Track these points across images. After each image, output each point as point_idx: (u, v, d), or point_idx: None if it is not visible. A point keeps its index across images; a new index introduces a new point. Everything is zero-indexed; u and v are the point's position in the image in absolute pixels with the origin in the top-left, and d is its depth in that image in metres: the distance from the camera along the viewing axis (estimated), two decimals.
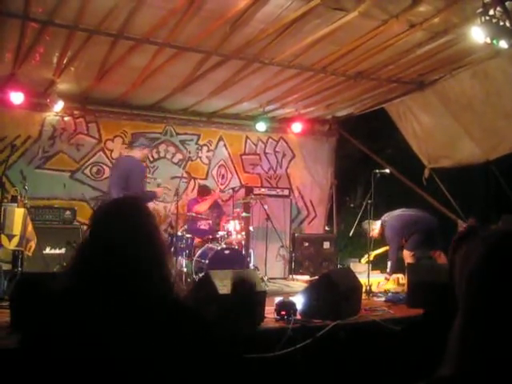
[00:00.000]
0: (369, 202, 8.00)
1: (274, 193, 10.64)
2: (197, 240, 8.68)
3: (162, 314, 1.87)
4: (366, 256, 8.30)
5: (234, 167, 11.00)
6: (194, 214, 8.87)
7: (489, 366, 1.13)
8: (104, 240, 1.94)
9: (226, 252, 8.04)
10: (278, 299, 5.59)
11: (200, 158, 10.72)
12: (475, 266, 1.23)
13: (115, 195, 6.81)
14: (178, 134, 10.50)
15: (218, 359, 1.97)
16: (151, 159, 10.07)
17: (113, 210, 2.08)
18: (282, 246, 10.42)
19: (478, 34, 5.82)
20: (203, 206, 9.16)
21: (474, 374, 1.14)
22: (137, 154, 7.52)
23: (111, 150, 9.88)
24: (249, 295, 5.07)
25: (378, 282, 8.05)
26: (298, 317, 5.36)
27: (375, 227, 8.48)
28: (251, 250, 9.33)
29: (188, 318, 1.95)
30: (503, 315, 1.15)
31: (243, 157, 11.11)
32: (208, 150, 10.78)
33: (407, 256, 8.33)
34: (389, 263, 8.30)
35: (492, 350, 1.14)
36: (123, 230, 1.95)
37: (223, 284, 4.84)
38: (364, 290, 6.69)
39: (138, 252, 1.92)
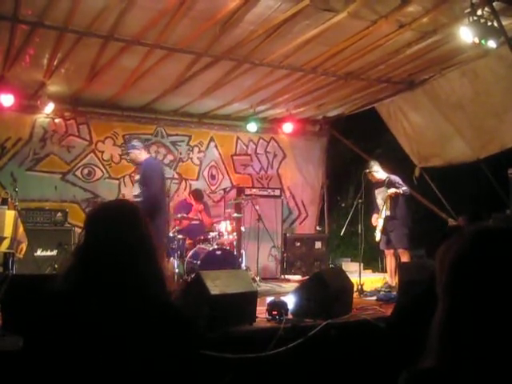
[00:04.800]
0: (360, 201, 8.02)
1: (265, 193, 10.65)
2: (188, 241, 8.68)
3: (155, 316, 1.89)
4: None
5: (225, 168, 11.01)
6: (185, 215, 8.87)
7: (468, 359, 1.15)
8: (99, 243, 1.95)
9: (218, 253, 8.03)
10: (269, 299, 5.60)
11: (191, 158, 10.73)
12: (453, 260, 1.25)
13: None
14: (168, 135, 10.51)
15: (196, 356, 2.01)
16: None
17: (107, 213, 2.08)
18: (274, 246, 10.43)
19: (466, 34, 5.88)
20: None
21: (455, 366, 1.16)
22: None
23: (102, 152, 9.87)
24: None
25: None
26: (290, 316, 5.37)
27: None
28: (243, 251, 9.33)
29: (179, 320, 1.97)
30: (480, 308, 1.18)
31: (234, 157, 11.12)
32: (199, 151, 10.79)
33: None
34: None
35: (471, 343, 1.16)
36: (118, 234, 1.96)
37: (215, 285, 4.84)
38: (356, 289, 6.72)
39: (134, 255, 1.94)
